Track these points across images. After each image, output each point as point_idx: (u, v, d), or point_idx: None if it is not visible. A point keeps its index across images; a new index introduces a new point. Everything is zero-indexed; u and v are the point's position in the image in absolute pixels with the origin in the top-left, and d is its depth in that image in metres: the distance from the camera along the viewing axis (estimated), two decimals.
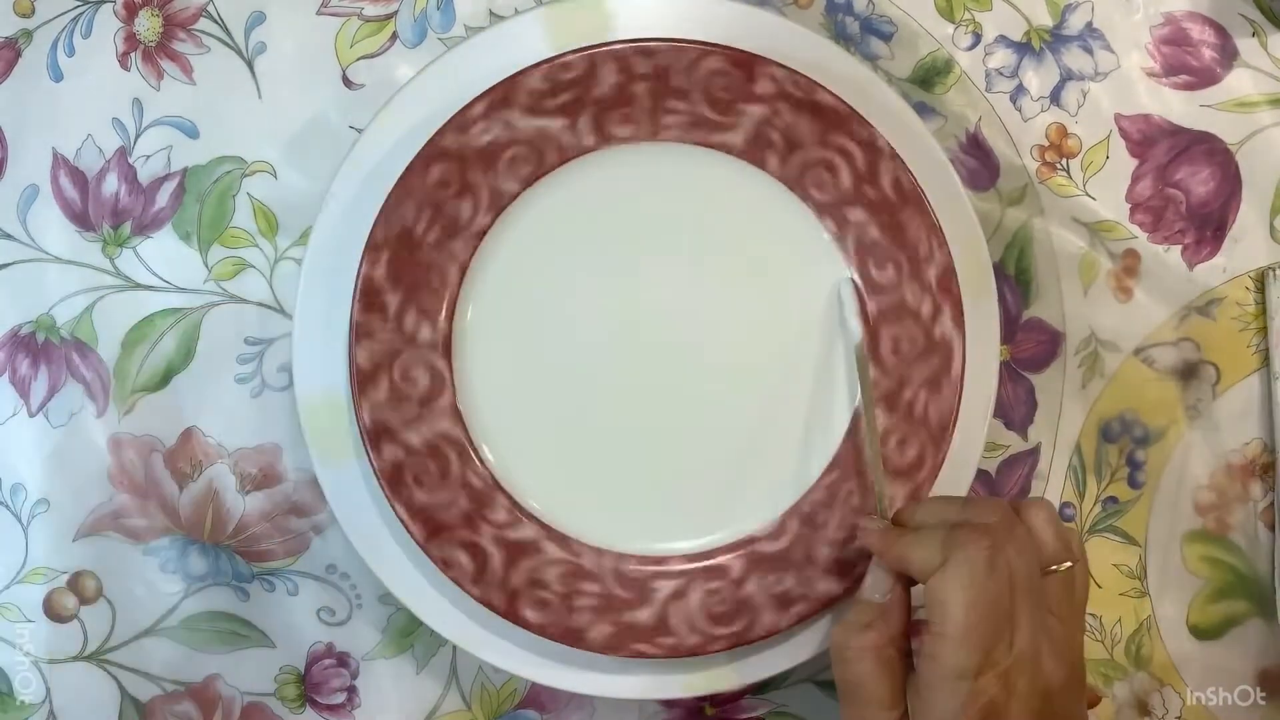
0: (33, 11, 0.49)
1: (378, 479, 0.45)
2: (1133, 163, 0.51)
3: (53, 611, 0.49)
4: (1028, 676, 0.38)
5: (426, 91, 0.46)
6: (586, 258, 0.47)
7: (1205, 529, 0.51)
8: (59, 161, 0.49)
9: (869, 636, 0.40)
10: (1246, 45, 0.51)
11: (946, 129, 0.50)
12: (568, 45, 0.45)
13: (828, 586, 0.45)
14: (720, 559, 0.47)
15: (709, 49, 0.45)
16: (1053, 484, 0.51)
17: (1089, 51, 0.50)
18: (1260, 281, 0.51)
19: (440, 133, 0.44)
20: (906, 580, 0.41)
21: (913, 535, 0.40)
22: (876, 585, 0.42)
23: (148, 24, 0.49)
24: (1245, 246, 0.51)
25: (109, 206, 0.49)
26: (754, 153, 0.46)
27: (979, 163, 0.50)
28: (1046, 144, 0.50)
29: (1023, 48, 0.50)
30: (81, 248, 0.49)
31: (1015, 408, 0.50)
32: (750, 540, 0.47)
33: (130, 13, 0.49)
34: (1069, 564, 0.40)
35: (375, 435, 0.45)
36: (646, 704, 0.50)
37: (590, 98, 0.45)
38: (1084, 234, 0.50)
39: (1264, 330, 0.51)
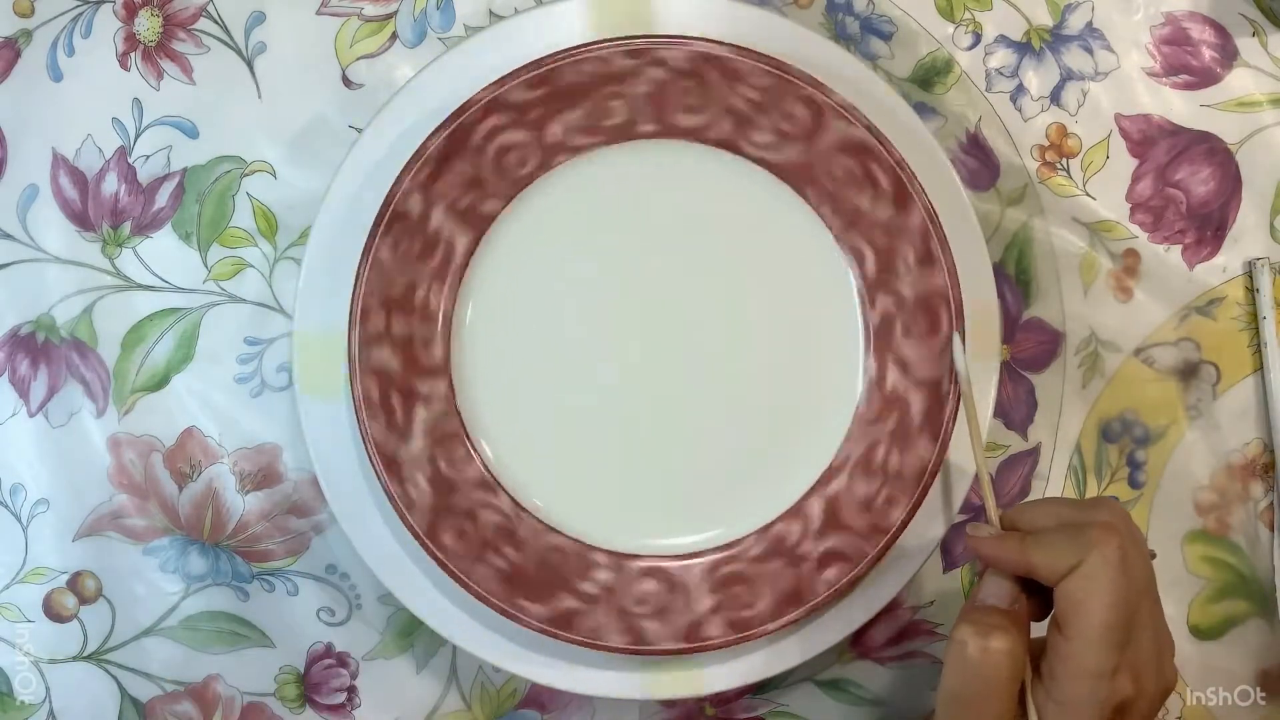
0: (32, 11, 0.49)
1: (391, 503, 0.45)
2: (1133, 162, 0.51)
3: (52, 611, 0.49)
4: (1152, 672, 0.39)
5: (426, 91, 0.46)
6: (580, 259, 0.47)
7: (1205, 529, 0.51)
8: (59, 161, 0.49)
9: (1003, 640, 0.38)
10: (1246, 45, 0.51)
11: (946, 129, 0.50)
12: (572, 42, 0.45)
13: (838, 572, 0.46)
14: (740, 549, 0.47)
15: (676, 43, 0.45)
16: (1053, 484, 0.51)
17: (1089, 51, 0.50)
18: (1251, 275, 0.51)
19: (415, 156, 0.45)
20: (1027, 585, 0.40)
21: (1035, 539, 0.39)
22: (997, 592, 0.40)
23: (147, 24, 0.49)
24: (1245, 246, 0.51)
25: (109, 206, 0.49)
26: (734, 143, 0.46)
27: (979, 163, 0.50)
28: (1046, 144, 0.50)
29: (1023, 48, 0.50)
30: (81, 248, 0.49)
31: (1015, 408, 0.50)
32: (769, 527, 0.47)
33: (130, 13, 0.49)
34: (1154, 555, 0.41)
35: (388, 464, 0.45)
36: (647, 704, 0.50)
37: (570, 103, 0.45)
38: (1084, 234, 0.50)
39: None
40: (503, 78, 0.44)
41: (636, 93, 0.46)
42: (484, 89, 0.44)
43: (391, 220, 0.45)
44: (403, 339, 0.46)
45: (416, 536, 0.45)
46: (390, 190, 0.44)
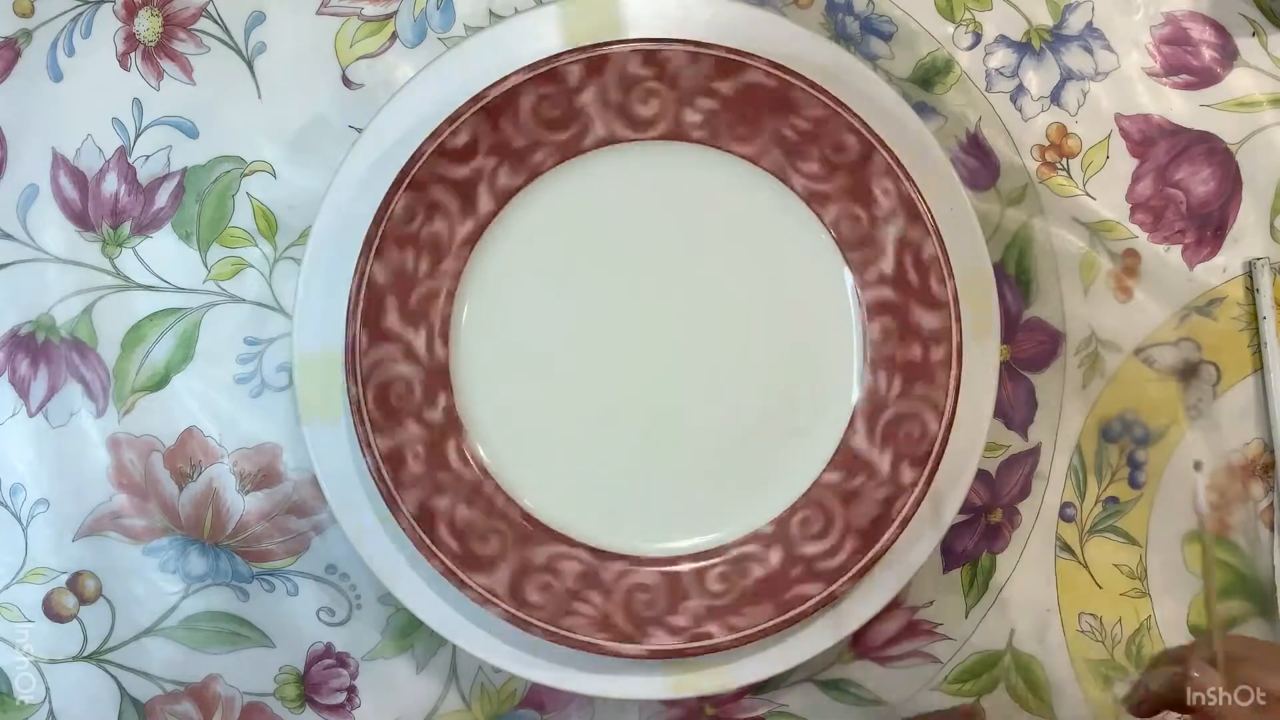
0: (33, 11, 0.49)
1: (409, 530, 0.45)
2: (1133, 162, 0.51)
3: (52, 611, 0.49)
4: None
5: (426, 91, 0.46)
6: (578, 260, 0.47)
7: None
8: (59, 161, 0.49)
9: None
10: (1246, 45, 0.51)
11: (946, 129, 0.50)
12: (572, 43, 0.45)
13: (818, 583, 0.46)
14: (735, 552, 0.47)
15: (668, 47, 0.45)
16: (1053, 484, 0.51)
17: (1089, 51, 0.50)
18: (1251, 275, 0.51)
19: (419, 152, 0.44)
20: None
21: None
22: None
23: (147, 24, 0.49)
24: (1245, 246, 0.51)
25: (108, 206, 0.49)
26: (722, 141, 0.46)
27: (979, 163, 0.50)
28: (1046, 144, 0.50)
29: (1023, 47, 0.50)
30: (81, 248, 0.49)
31: (1015, 408, 0.50)
32: (761, 534, 0.47)
33: (130, 13, 0.49)
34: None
35: (411, 505, 0.45)
36: (647, 704, 0.50)
37: (574, 104, 0.45)
38: (1084, 234, 0.50)
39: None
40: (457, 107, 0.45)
41: (623, 94, 0.46)
42: (466, 103, 0.44)
43: (384, 253, 0.45)
44: (406, 359, 0.46)
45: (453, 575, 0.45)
46: (373, 219, 0.44)
